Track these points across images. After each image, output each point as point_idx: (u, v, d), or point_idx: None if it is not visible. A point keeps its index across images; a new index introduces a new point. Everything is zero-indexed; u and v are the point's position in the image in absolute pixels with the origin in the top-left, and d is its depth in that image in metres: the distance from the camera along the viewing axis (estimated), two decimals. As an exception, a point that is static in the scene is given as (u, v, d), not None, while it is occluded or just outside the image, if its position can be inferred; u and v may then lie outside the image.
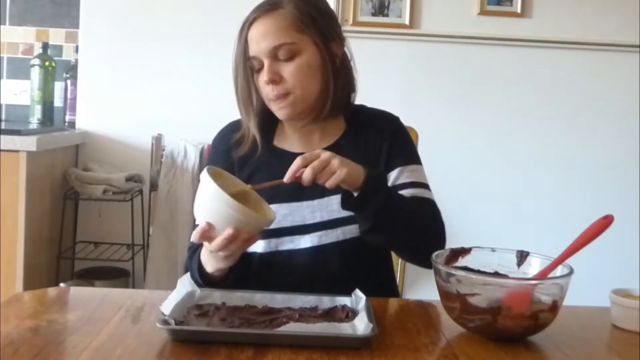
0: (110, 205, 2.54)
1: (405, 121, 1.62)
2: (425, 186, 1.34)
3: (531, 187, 2.66)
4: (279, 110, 1.29)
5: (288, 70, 1.25)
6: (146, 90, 2.60)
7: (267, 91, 1.27)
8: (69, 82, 2.60)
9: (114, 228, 2.57)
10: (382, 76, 2.61)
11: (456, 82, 2.64)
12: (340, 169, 1.10)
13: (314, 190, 1.28)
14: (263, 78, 1.26)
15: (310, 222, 1.29)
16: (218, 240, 1.07)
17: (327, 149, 1.32)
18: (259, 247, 1.30)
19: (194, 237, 1.09)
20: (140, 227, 2.54)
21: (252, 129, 1.33)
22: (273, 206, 1.27)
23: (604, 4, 2.61)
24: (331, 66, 1.30)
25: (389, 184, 1.32)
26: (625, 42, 2.60)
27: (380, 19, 2.59)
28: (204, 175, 1.08)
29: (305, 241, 1.29)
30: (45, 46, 2.55)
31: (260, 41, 1.25)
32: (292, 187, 1.28)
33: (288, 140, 1.37)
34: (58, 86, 2.62)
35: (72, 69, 2.61)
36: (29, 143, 2.11)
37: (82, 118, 2.61)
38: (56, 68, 2.58)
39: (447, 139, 2.62)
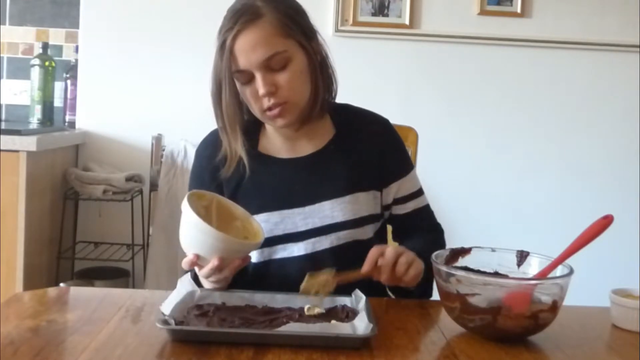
0: (110, 205, 2.54)
1: (405, 121, 1.62)
2: (421, 192, 1.39)
3: (531, 187, 2.66)
4: (275, 120, 1.25)
5: (283, 79, 1.21)
6: (146, 90, 2.60)
7: (262, 103, 1.23)
8: (69, 82, 2.60)
9: (114, 228, 2.57)
10: (382, 76, 2.61)
11: (456, 82, 2.63)
12: (415, 270, 1.15)
13: (304, 197, 1.28)
14: (258, 91, 1.21)
15: (303, 229, 1.28)
16: (205, 270, 1.09)
17: (316, 153, 1.32)
18: (252, 257, 1.28)
19: (184, 265, 1.12)
20: (140, 227, 2.54)
21: (239, 150, 1.28)
22: (264, 215, 1.27)
23: (604, 4, 2.61)
24: (317, 65, 1.27)
25: (389, 198, 1.34)
26: (625, 42, 2.60)
27: (380, 19, 2.58)
28: (185, 206, 1.08)
29: (299, 249, 1.28)
30: (45, 46, 2.55)
31: (250, 53, 1.19)
32: (282, 194, 1.29)
33: (273, 146, 1.34)
34: (58, 86, 2.61)
35: (72, 69, 2.61)
36: (29, 143, 2.11)
37: (82, 118, 2.61)
38: (56, 68, 2.58)
39: (447, 139, 2.62)
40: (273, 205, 1.28)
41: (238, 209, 1.21)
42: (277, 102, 1.22)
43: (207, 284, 1.16)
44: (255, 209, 1.26)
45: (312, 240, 1.27)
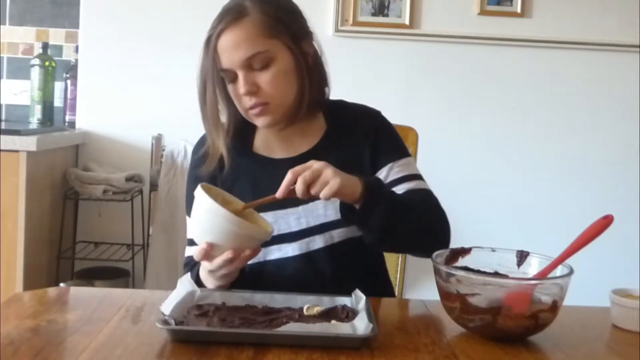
0: (110, 205, 2.54)
1: (405, 121, 1.62)
2: (418, 177, 1.30)
3: (531, 187, 2.66)
4: (257, 120, 1.25)
5: (264, 79, 1.21)
6: (146, 90, 2.60)
7: (244, 102, 1.23)
8: (69, 82, 2.60)
9: (114, 228, 2.57)
10: (382, 76, 2.61)
11: (456, 82, 2.64)
12: (334, 179, 1.06)
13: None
14: (239, 90, 1.22)
15: (297, 229, 1.27)
16: (218, 261, 1.07)
17: (309, 151, 1.31)
18: None
19: (196, 256, 1.09)
20: (140, 227, 2.54)
21: (221, 147, 1.27)
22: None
23: (604, 4, 2.61)
24: (305, 66, 1.26)
25: None
26: (625, 42, 2.60)
27: (380, 19, 2.58)
28: (199, 192, 1.07)
29: (294, 249, 1.27)
30: (45, 46, 2.55)
31: (232, 53, 1.20)
32: None
33: (268, 146, 1.34)
34: (58, 86, 2.61)
35: (72, 69, 2.61)
36: (29, 143, 2.11)
37: (82, 118, 2.61)
38: (56, 68, 2.58)
39: (447, 139, 2.62)
40: (266, 206, 1.25)
41: (242, 205, 1.19)
42: (259, 101, 1.22)
43: (209, 282, 1.15)
44: None
45: (307, 239, 1.27)
